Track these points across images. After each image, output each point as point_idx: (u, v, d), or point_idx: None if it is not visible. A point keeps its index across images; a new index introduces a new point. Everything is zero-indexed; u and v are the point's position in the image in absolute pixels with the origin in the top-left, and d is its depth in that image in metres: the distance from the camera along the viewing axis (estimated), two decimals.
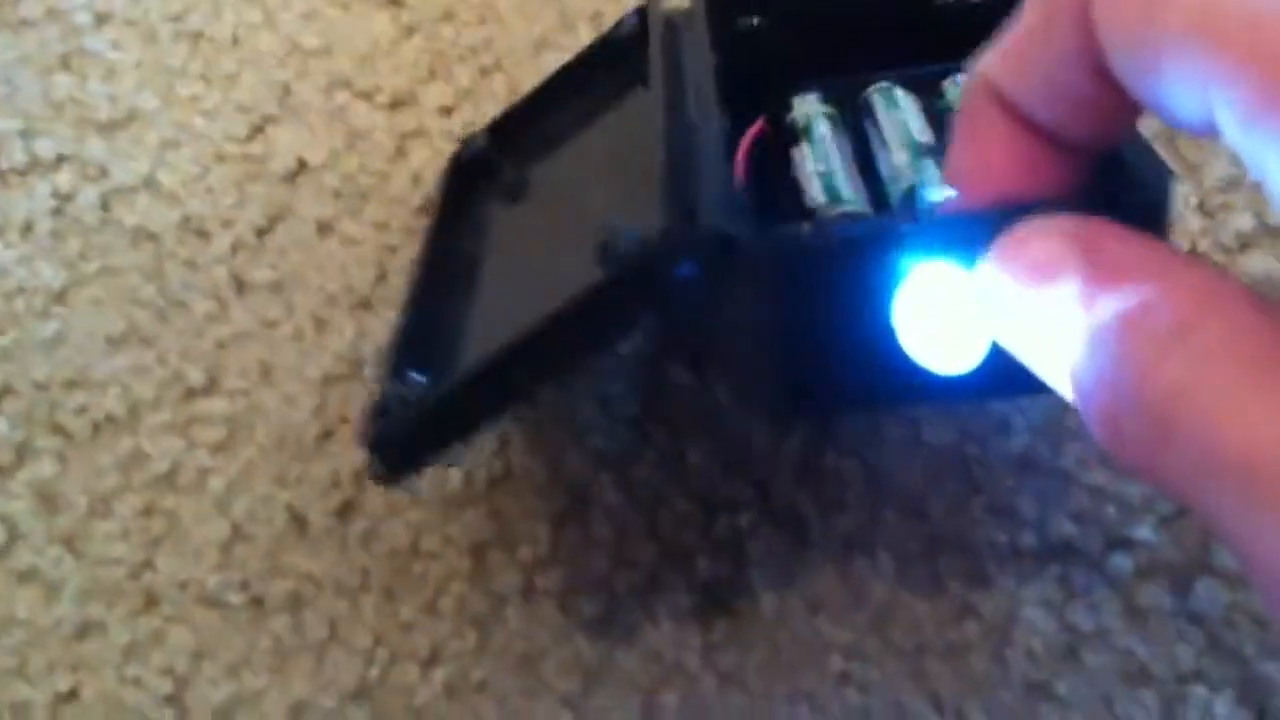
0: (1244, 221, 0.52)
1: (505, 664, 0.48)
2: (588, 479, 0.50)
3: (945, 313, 0.35)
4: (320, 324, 0.55)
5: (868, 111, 0.48)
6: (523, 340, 0.40)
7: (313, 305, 0.56)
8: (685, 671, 0.47)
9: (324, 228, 0.57)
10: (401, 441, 0.43)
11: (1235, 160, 0.53)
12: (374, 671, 0.48)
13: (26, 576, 0.51)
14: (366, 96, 0.60)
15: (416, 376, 0.45)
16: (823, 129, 0.47)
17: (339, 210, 0.57)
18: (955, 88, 0.47)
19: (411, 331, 0.47)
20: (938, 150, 0.44)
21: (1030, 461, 0.49)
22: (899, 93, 0.48)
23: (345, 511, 0.51)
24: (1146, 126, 0.36)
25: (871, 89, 0.49)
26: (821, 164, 0.45)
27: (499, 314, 0.46)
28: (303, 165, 0.59)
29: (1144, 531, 0.48)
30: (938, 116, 0.47)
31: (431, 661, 0.48)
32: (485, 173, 0.55)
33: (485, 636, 0.48)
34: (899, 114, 0.47)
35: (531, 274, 0.47)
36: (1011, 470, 0.49)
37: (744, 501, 0.49)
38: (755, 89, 0.48)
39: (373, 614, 0.49)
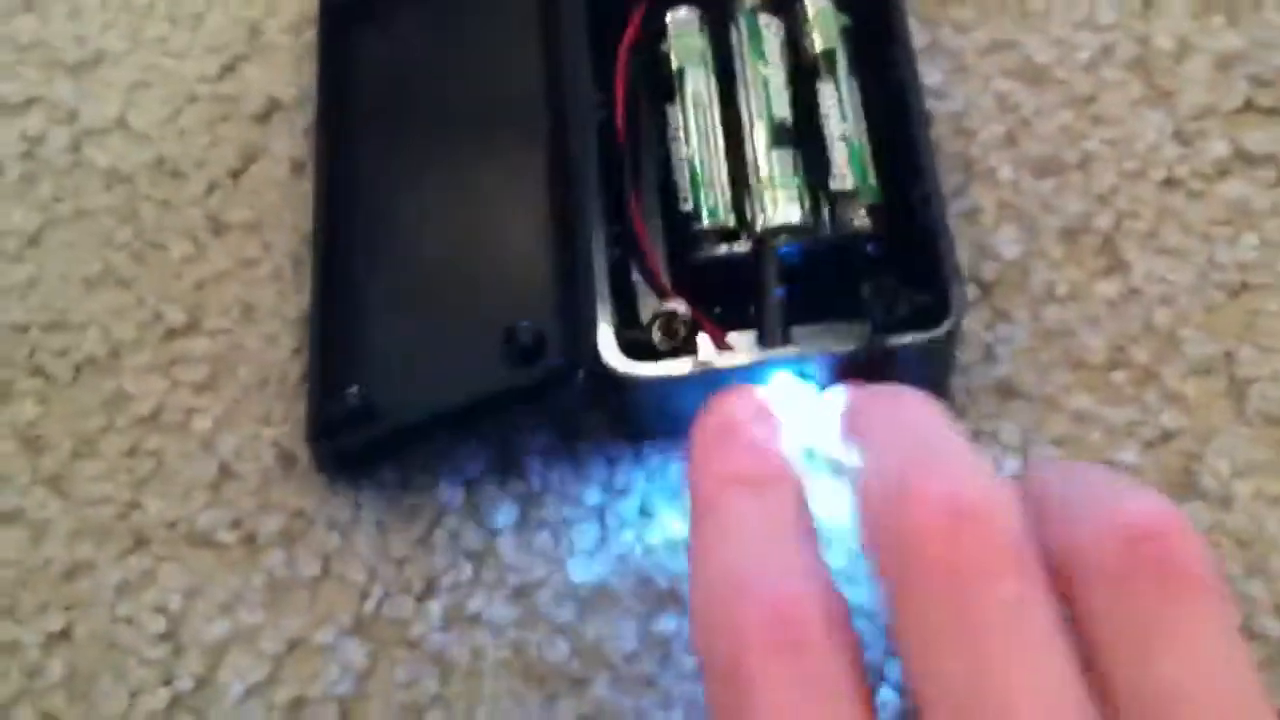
0: (1220, 148, 0.53)
1: (500, 595, 0.48)
2: (577, 413, 0.50)
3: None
4: (298, 262, 0.55)
5: (734, 51, 0.53)
6: (437, 417, 0.49)
7: (290, 244, 0.55)
8: (679, 597, 0.47)
9: (298, 166, 0.57)
10: (349, 458, 0.50)
11: (1210, 87, 0.54)
12: (369, 606, 0.49)
13: (12, 518, 0.51)
14: None
15: (351, 391, 0.49)
16: (697, 81, 0.52)
17: (312, 149, 0.57)
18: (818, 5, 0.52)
19: (332, 346, 0.51)
20: (792, 134, 0.50)
21: (1012, 388, 0.50)
22: (764, 28, 0.52)
23: None
24: None
25: (738, 10, 0.53)
26: (691, 147, 0.50)
27: (412, 289, 0.52)
28: (275, 104, 0.59)
29: (1128, 455, 0.48)
30: (796, 42, 0.52)
31: (426, 594, 0.48)
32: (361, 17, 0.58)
33: (480, 568, 0.49)
34: (763, 68, 0.51)
35: (435, 234, 0.53)
36: (993, 397, 0.50)
37: None
38: None
39: (366, 548, 0.49)
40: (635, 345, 0.46)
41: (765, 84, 0.51)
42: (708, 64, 0.52)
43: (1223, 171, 0.53)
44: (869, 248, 0.49)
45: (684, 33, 0.52)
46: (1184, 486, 0.48)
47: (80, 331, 0.54)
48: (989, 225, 0.52)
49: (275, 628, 0.49)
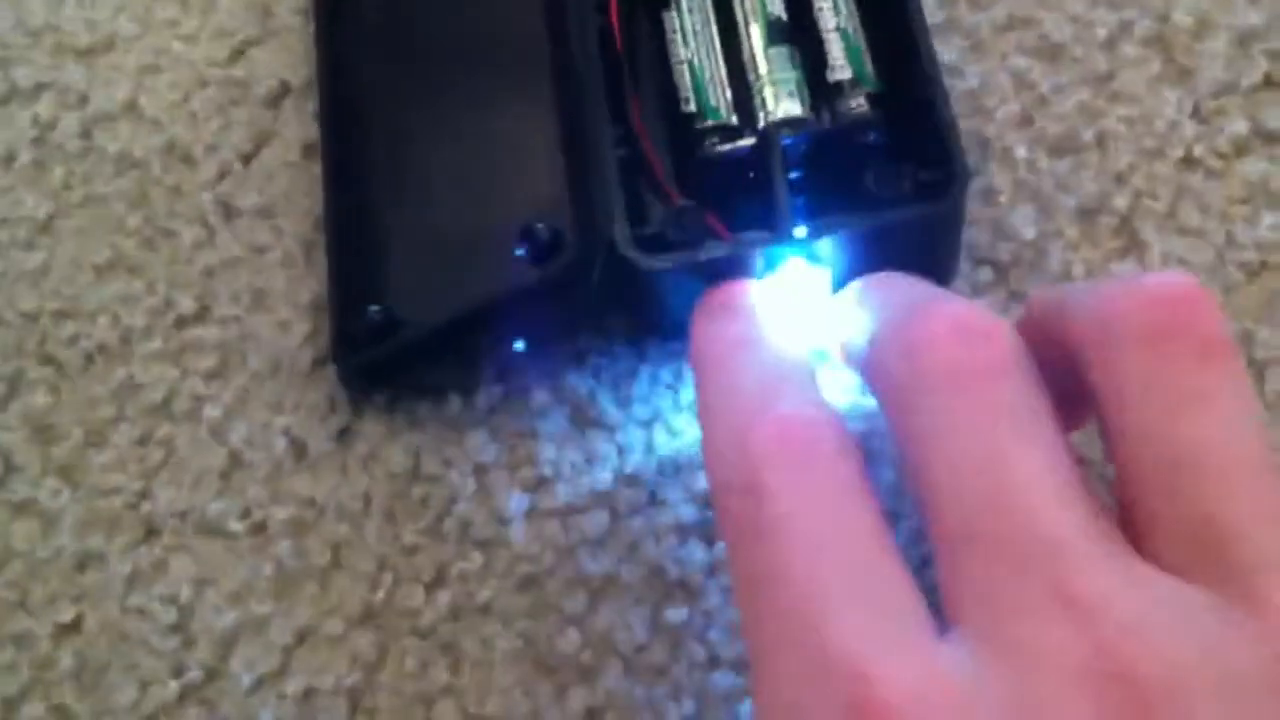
0: (1239, 126, 0.52)
1: (510, 584, 0.48)
2: (587, 399, 0.50)
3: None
4: (310, 248, 0.54)
5: None
6: (459, 321, 0.49)
7: (301, 230, 0.55)
8: (689, 586, 0.47)
9: (309, 150, 0.57)
10: (374, 372, 0.51)
11: (1229, 64, 0.53)
12: (379, 595, 0.48)
13: (23, 508, 0.51)
14: None
15: (372, 309, 0.50)
16: None
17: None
18: None
19: (349, 265, 0.52)
20: (788, 30, 0.50)
21: None
22: None
23: (344, 436, 0.51)
24: None
25: None
26: (690, 49, 0.51)
27: (418, 210, 0.53)
28: (286, 88, 0.58)
29: None
30: None
31: (436, 584, 0.48)
32: None
33: (489, 558, 0.48)
34: None
35: (433, 139, 0.54)
36: None
37: None
38: None
39: (375, 538, 0.49)
40: (649, 240, 0.46)
41: None
42: None
43: (1241, 150, 0.52)
44: (871, 136, 0.49)
45: None
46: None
47: (91, 319, 0.54)
48: (1005, 205, 0.52)
49: (285, 618, 0.49)
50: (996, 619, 0.32)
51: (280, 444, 0.51)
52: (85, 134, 0.58)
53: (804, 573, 0.34)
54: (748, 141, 0.49)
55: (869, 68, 0.49)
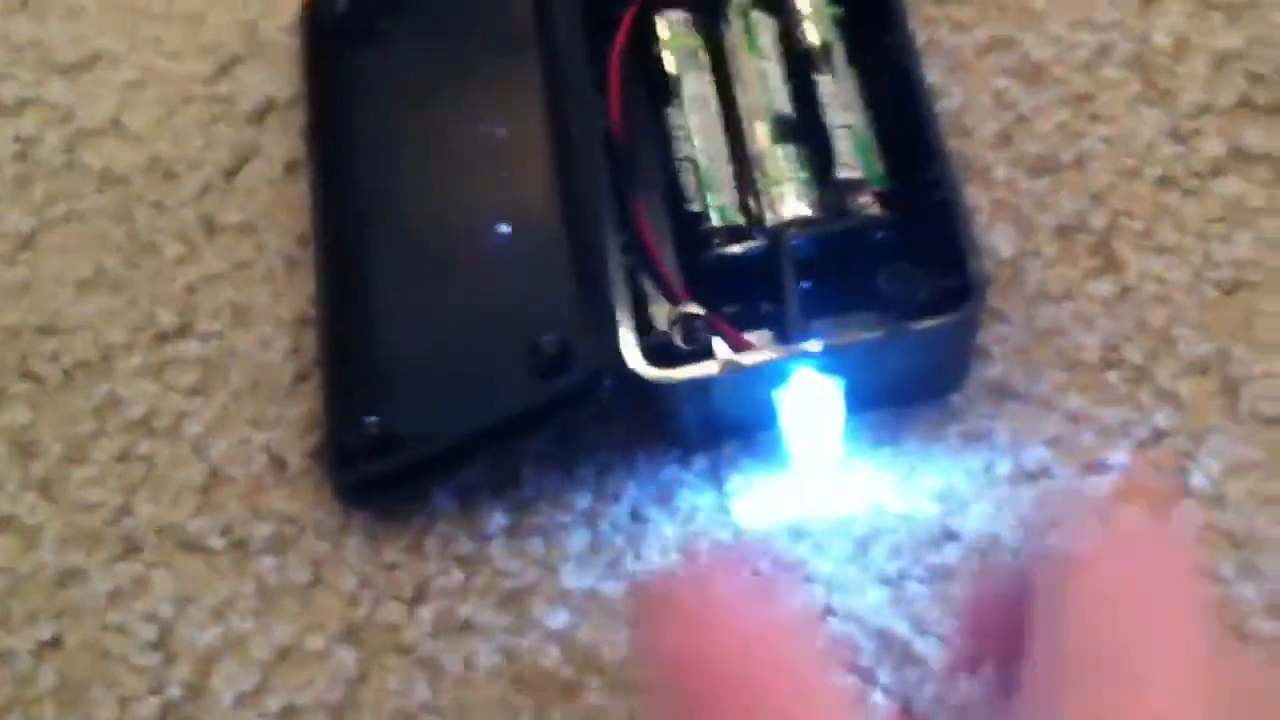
0: (1215, 147, 0.52)
1: (491, 601, 0.48)
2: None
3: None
4: (292, 264, 0.55)
5: (728, 49, 0.53)
6: (464, 441, 0.48)
7: (283, 246, 0.55)
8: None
9: (292, 167, 0.57)
10: (372, 488, 0.49)
11: (1207, 86, 0.53)
12: (360, 612, 0.48)
13: (3, 524, 0.51)
14: None
15: (369, 420, 0.48)
16: (694, 82, 0.51)
17: (306, 162, 0.57)
18: None
19: (346, 372, 0.51)
20: (794, 128, 0.50)
21: (1007, 388, 0.49)
22: (757, 25, 0.52)
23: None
24: None
25: (730, 9, 0.53)
26: (694, 146, 0.50)
27: (417, 319, 0.52)
28: (270, 104, 0.58)
29: (1121, 456, 0.48)
30: (791, 37, 0.52)
31: (417, 600, 0.48)
32: (347, 38, 0.58)
33: (471, 574, 0.48)
34: (759, 62, 0.52)
35: (434, 245, 0.53)
36: (988, 397, 0.49)
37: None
38: None
39: (356, 555, 0.49)
40: (657, 350, 0.45)
41: (763, 78, 0.51)
42: (703, 64, 0.52)
43: (1218, 169, 0.52)
44: (880, 235, 0.48)
45: (677, 34, 0.52)
46: (1176, 486, 0.47)
47: (72, 335, 0.54)
48: (984, 224, 0.52)
49: (266, 635, 0.49)
50: None
51: (261, 460, 0.51)
52: (68, 149, 0.58)
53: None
54: (756, 243, 0.48)
55: (879, 165, 0.49)
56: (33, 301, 0.55)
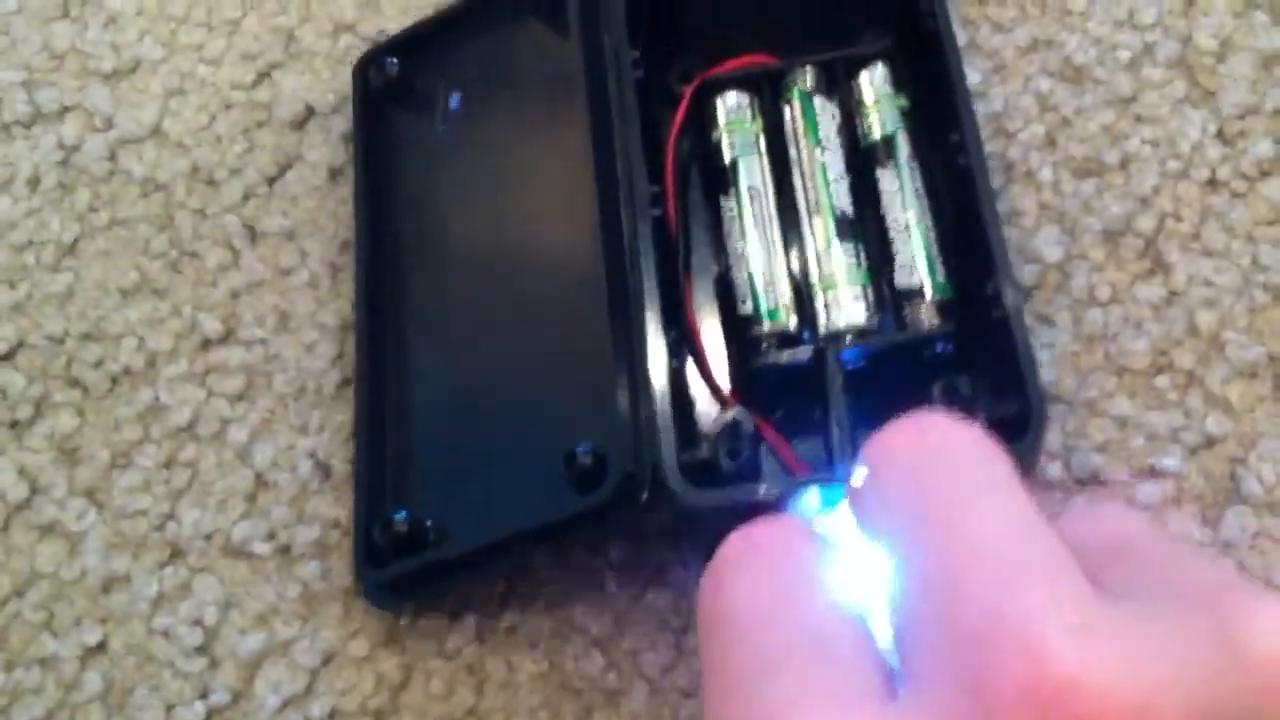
0: (1264, 148, 0.52)
1: (535, 608, 0.48)
2: None
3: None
4: (335, 270, 0.55)
5: (790, 136, 0.51)
6: (494, 545, 0.46)
7: (326, 252, 0.55)
8: None
9: (334, 174, 0.57)
10: (399, 587, 0.48)
11: (1252, 86, 0.53)
12: (403, 619, 0.48)
13: (49, 530, 0.51)
14: (371, 40, 0.59)
15: (399, 519, 0.47)
16: (751, 173, 0.50)
17: (349, 156, 0.57)
18: (872, 80, 0.51)
19: (380, 468, 0.49)
20: (854, 225, 0.49)
21: (1055, 393, 0.49)
22: (820, 112, 0.50)
23: None
24: None
25: (791, 93, 0.51)
26: (749, 242, 0.49)
27: (454, 415, 0.50)
28: (310, 111, 0.58)
29: (1171, 461, 0.48)
30: (853, 124, 0.51)
31: (461, 607, 0.48)
32: (398, 98, 0.56)
33: (514, 582, 0.48)
34: (819, 154, 0.50)
35: (475, 338, 0.51)
36: None
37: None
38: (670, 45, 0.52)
39: None
40: (698, 467, 0.44)
41: (823, 171, 0.49)
42: (761, 152, 0.50)
43: (1266, 171, 0.52)
44: (939, 346, 0.47)
45: (735, 121, 0.51)
46: (1228, 492, 0.47)
47: (116, 342, 0.54)
48: (1029, 228, 0.52)
49: (311, 640, 0.49)
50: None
51: (305, 466, 0.51)
52: (110, 157, 0.58)
53: (749, 642, 0.30)
54: (806, 351, 0.46)
55: (941, 274, 0.47)
56: (77, 309, 0.55)
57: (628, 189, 0.48)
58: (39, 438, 0.53)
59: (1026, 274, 0.51)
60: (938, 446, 0.31)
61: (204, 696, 0.48)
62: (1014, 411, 0.43)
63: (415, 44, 0.57)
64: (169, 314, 0.55)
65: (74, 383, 0.54)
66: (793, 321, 0.47)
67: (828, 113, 0.51)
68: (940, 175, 0.50)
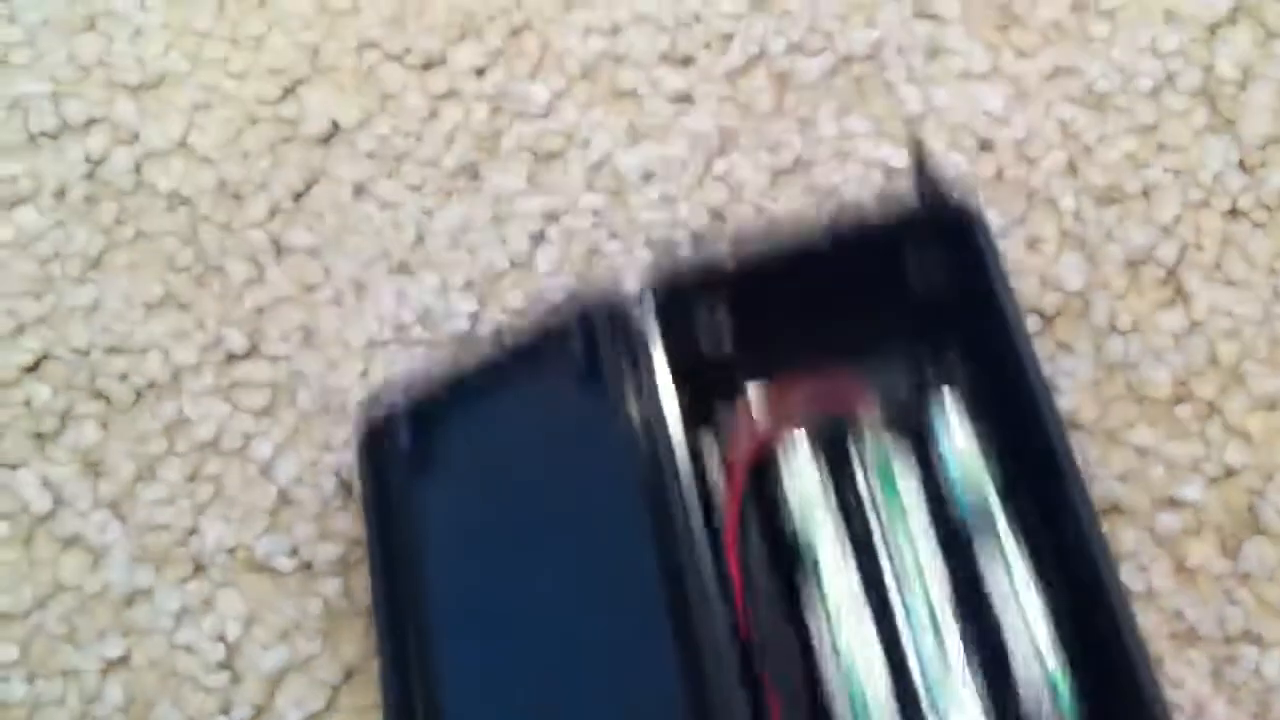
0: None
1: None
2: None
3: None
4: (359, 288, 0.55)
5: (865, 502, 0.45)
6: None
7: (351, 269, 0.55)
8: None
9: (359, 190, 0.57)
10: None
11: (1275, 116, 0.53)
12: None
13: (72, 542, 0.51)
14: (397, 58, 0.60)
15: None
16: (829, 557, 0.44)
17: (374, 172, 0.57)
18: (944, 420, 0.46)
19: None
20: (955, 617, 0.43)
21: (1076, 421, 0.49)
22: (901, 478, 0.45)
23: None
24: None
25: (866, 453, 0.46)
26: (843, 656, 0.42)
27: None
28: (336, 127, 0.59)
29: (1192, 491, 0.48)
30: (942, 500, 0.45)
31: None
32: (406, 463, 0.50)
33: None
34: (905, 527, 0.44)
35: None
36: None
37: None
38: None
39: None
40: None
41: (913, 553, 0.44)
42: (837, 519, 0.45)
43: None
44: None
45: (802, 484, 0.45)
46: (1247, 524, 0.47)
47: (141, 355, 0.54)
48: (1050, 255, 0.52)
49: (332, 656, 0.49)
50: None
51: (329, 483, 0.51)
52: (136, 170, 0.58)
53: None
54: None
55: (1066, 684, 0.41)
56: (102, 322, 0.55)
57: (701, 606, 0.41)
58: (63, 450, 0.53)
59: (1047, 302, 0.51)
60: None
61: (226, 712, 0.48)
62: None
63: (429, 408, 0.50)
64: (194, 328, 0.55)
65: (98, 395, 0.54)
66: None
67: (908, 477, 0.45)
68: (1049, 548, 0.43)
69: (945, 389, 0.46)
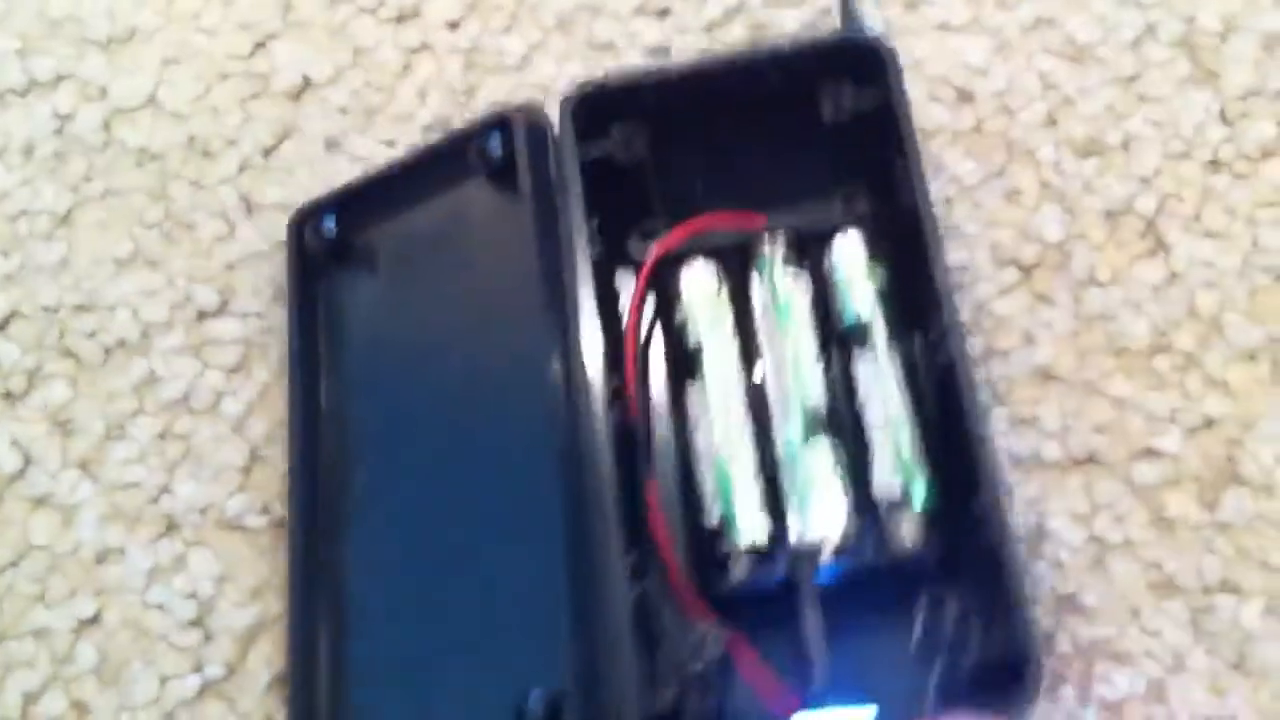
0: (1266, 129, 0.52)
1: None
2: None
3: None
4: None
5: (756, 311, 0.48)
6: None
7: None
8: None
9: (331, 145, 0.57)
10: None
11: (1256, 67, 0.52)
12: None
13: (42, 502, 0.51)
14: (370, 11, 0.59)
15: None
16: (717, 363, 0.46)
17: (345, 127, 0.57)
18: (844, 253, 0.48)
19: (316, 698, 0.46)
20: (829, 423, 0.45)
21: (1052, 373, 0.49)
22: (791, 290, 0.47)
23: None
24: None
25: (760, 266, 0.48)
26: (714, 442, 0.45)
27: (395, 647, 0.46)
28: (307, 82, 0.58)
29: (1169, 442, 0.47)
30: (826, 291, 0.47)
31: None
32: (335, 259, 0.53)
33: None
34: (791, 344, 0.46)
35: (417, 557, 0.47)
36: (1033, 382, 0.49)
37: None
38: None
39: None
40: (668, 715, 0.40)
41: (796, 365, 0.46)
42: (729, 334, 0.47)
43: (1268, 153, 0.52)
44: (921, 561, 0.43)
45: (702, 299, 0.47)
46: (1226, 474, 0.47)
47: (110, 313, 0.54)
48: (1029, 206, 0.52)
49: None
50: None
51: None
52: (105, 126, 0.58)
53: None
54: (778, 570, 0.43)
55: (922, 485, 0.43)
56: (70, 279, 0.55)
57: (585, 385, 0.43)
58: (33, 409, 0.52)
59: (1026, 253, 0.51)
60: None
61: (198, 670, 0.48)
62: (1008, 656, 0.38)
63: (354, 201, 0.53)
64: (163, 285, 0.54)
65: (68, 353, 0.53)
66: (763, 535, 0.43)
67: (800, 288, 0.47)
68: (924, 361, 0.45)
69: (850, 229, 0.48)
